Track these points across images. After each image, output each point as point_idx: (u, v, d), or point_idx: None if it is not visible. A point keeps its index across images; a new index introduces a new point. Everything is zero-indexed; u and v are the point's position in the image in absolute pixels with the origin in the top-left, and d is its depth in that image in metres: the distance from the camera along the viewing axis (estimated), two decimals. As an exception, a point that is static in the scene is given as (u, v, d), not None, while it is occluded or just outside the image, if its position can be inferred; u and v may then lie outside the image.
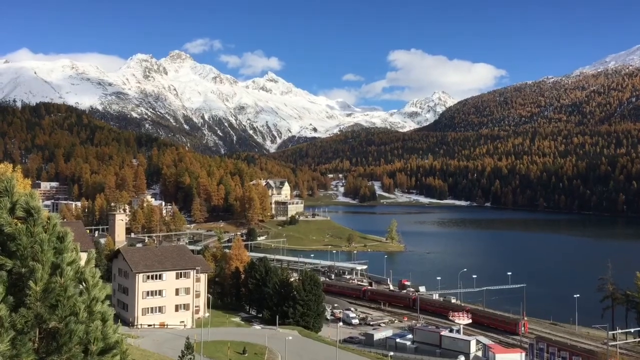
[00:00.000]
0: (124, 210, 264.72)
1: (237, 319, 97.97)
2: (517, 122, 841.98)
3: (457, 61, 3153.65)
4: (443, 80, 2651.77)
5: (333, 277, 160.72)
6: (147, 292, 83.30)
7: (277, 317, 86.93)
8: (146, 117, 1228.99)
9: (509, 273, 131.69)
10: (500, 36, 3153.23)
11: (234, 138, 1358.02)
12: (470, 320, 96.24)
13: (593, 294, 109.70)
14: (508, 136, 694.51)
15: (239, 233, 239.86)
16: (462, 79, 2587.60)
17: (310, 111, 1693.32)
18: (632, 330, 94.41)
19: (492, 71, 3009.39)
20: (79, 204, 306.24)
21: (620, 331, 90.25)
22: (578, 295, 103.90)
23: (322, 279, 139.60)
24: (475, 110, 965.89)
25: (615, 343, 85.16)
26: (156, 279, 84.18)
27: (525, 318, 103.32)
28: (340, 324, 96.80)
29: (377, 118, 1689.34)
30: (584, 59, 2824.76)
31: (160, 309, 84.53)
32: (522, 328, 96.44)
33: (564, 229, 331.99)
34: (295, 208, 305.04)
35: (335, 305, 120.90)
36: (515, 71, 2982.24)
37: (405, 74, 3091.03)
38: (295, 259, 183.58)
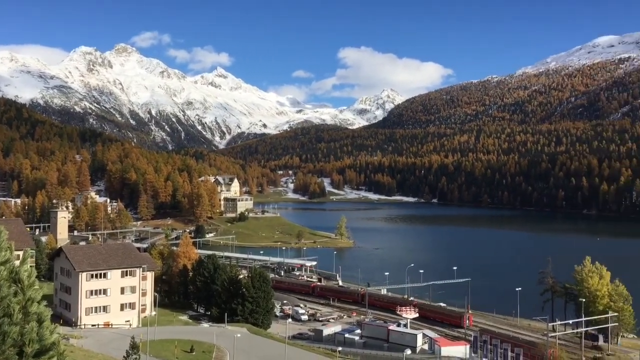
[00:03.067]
0: (67, 207, 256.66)
1: (184, 317, 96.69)
2: (463, 120, 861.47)
3: (406, 59, 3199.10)
4: (392, 78, 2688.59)
5: (282, 274, 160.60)
6: (91, 292, 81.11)
7: (226, 314, 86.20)
8: (90, 111, 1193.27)
9: (455, 268, 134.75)
10: (448, 36, 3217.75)
11: (182, 134, 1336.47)
12: (417, 315, 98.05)
13: (534, 287, 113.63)
14: (454, 134, 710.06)
15: (187, 230, 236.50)
16: (411, 77, 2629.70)
17: (260, 107, 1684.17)
18: (570, 321, 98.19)
19: (440, 70, 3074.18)
20: (18, 200, 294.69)
21: (559, 323, 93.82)
22: (520, 289, 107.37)
23: (272, 275, 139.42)
24: (423, 108, 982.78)
25: (555, 334, 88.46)
26: (100, 277, 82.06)
27: (470, 311, 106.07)
28: (290, 320, 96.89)
29: (327, 115, 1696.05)
30: (527, 59, 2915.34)
31: (105, 309, 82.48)
32: (467, 321, 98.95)
33: (506, 225, 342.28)
34: (245, 205, 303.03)
35: (285, 301, 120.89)
36: (462, 70, 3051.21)
37: (355, 71, 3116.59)
38: (245, 256, 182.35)
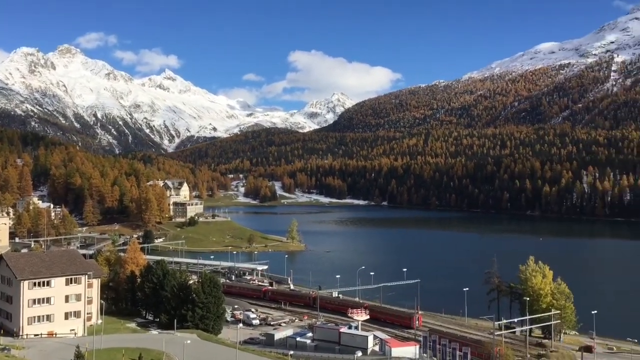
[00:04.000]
0: (7, 213, 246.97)
1: (132, 325, 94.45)
2: (411, 123, 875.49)
3: (356, 64, 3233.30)
4: (342, 82, 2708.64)
5: (234, 278, 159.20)
6: (34, 300, 78.23)
7: (175, 321, 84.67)
8: (32, 114, 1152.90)
9: (405, 269, 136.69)
10: (397, 41, 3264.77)
11: (130, 137, 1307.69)
12: (367, 317, 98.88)
13: (480, 287, 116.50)
14: (403, 137, 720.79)
15: (135, 236, 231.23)
16: (361, 81, 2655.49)
17: (210, 110, 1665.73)
18: (515, 320, 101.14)
19: (389, 75, 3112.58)
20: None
21: (505, 321, 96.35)
22: (467, 289, 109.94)
23: (222, 280, 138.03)
24: (373, 112, 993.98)
25: (501, 333, 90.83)
26: (43, 285, 79.28)
27: (420, 312, 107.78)
28: (241, 325, 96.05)
29: (277, 118, 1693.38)
30: (473, 65, 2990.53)
31: (49, 318, 79.68)
32: (417, 322, 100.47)
33: (454, 226, 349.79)
34: (195, 209, 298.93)
35: (236, 306, 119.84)
36: (410, 75, 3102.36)
37: (306, 75, 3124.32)
38: (195, 260, 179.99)
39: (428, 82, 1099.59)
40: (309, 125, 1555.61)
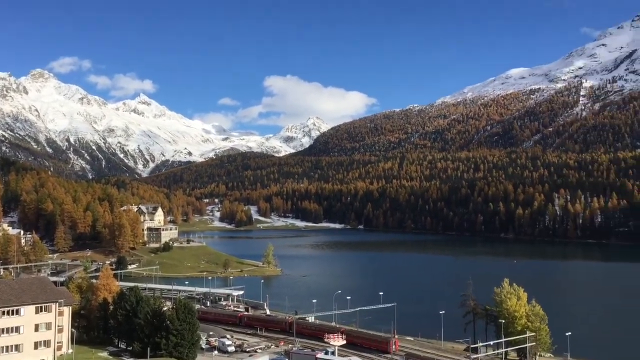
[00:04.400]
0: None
1: (104, 354, 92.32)
2: (386, 147, 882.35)
3: (331, 88, 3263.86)
4: (318, 106, 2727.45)
5: (209, 304, 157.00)
6: (2, 330, 76.24)
7: (149, 349, 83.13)
8: (3, 139, 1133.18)
9: (381, 293, 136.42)
10: (371, 67, 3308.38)
11: (103, 162, 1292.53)
12: (344, 342, 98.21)
13: (456, 310, 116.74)
14: (378, 161, 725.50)
15: (107, 262, 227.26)
16: (337, 106, 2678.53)
17: (185, 135, 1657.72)
18: (491, 342, 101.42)
19: (364, 99, 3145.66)
20: None
21: (481, 344, 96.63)
22: (443, 312, 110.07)
23: (197, 306, 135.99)
24: (348, 136, 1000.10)
25: (477, 356, 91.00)
26: (12, 314, 77.29)
27: (396, 336, 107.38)
28: (216, 352, 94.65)
29: (253, 142, 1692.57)
30: (446, 90, 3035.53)
31: (17, 347, 77.54)
32: (393, 346, 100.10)
33: (430, 249, 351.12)
34: (169, 234, 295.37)
35: (211, 333, 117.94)
36: (385, 99, 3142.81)
37: (281, 99, 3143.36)
38: (169, 287, 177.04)
39: (402, 107, 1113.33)
40: (285, 149, 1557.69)
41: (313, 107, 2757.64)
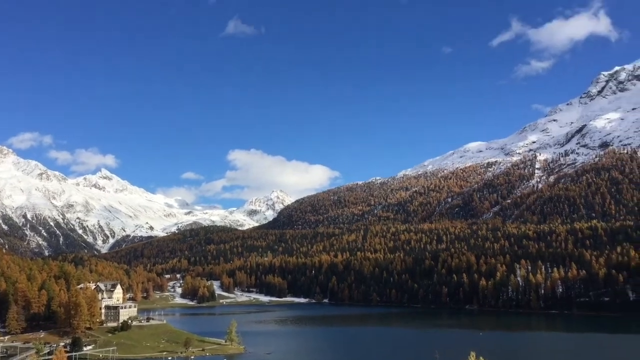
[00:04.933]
0: None
1: None
2: (350, 219, 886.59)
3: (295, 162, 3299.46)
4: (282, 180, 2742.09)
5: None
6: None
7: None
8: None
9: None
10: (333, 141, 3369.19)
11: (61, 238, 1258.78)
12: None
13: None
14: (342, 233, 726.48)
15: (61, 344, 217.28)
16: (300, 179, 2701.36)
17: (147, 209, 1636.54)
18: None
19: (327, 172, 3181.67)
20: None
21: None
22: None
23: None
24: (312, 209, 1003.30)
25: None
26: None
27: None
28: None
29: (216, 216, 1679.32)
30: (407, 163, 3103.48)
31: None
32: None
33: (396, 322, 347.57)
34: (128, 312, 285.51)
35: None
36: (348, 172, 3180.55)
37: (245, 173, 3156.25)
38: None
39: (365, 179, 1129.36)
40: (249, 223, 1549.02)
41: (277, 181, 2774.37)
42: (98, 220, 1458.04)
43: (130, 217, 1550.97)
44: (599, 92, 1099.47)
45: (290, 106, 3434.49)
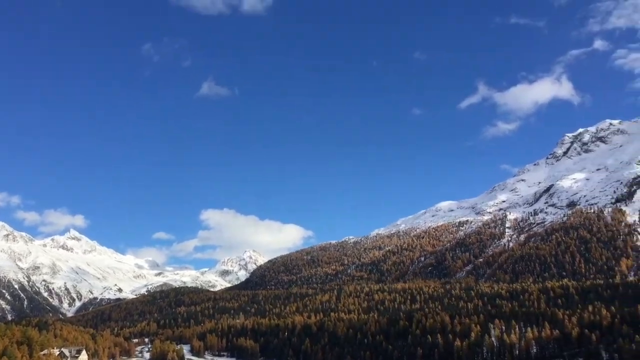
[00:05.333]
0: None
1: None
2: (323, 279, 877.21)
3: (268, 221, 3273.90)
4: (255, 239, 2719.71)
5: None
6: None
7: None
8: None
9: None
10: (307, 201, 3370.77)
11: (25, 302, 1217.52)
12: None
13: None
14: (316, 293, 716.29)
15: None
16: (273, 239, 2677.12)
17: (116, 271, 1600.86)
18: None
19: (301, 232, 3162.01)
20: None
21: None
22: None
23: None
24: (285, 269, 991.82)
25: None
26: None
27: None
28: None
29: (188, 277, 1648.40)
30: (380, 222, 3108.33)
31: None
32: None
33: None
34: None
35: None
36: (321, 232, 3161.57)
37: (218, 232, 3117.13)
38: None
39: (338, 239, 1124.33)
40: (221, 284, 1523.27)
41: (250, 240, 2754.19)
42: (65, 283, 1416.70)
43: (99, 279, 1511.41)
44: (565, 153, 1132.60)
45: (263, 166, 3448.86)
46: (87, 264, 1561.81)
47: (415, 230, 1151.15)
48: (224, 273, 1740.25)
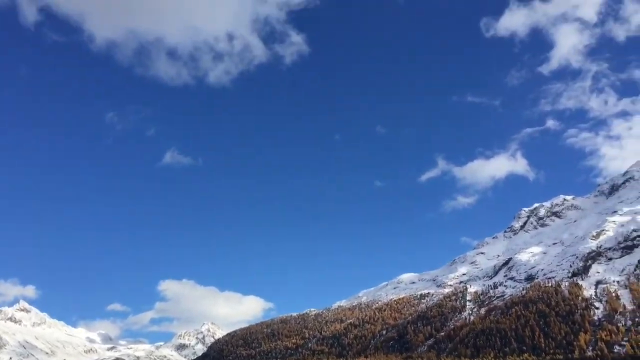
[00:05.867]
0: None
1: None
2: (283, 354, 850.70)
3: (228, 293, 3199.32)
4: (214, 311, 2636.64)
5: None
6: None
7: None
8: None
9: None
10: (268, 272, 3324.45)
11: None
12: None
13: None
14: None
15: None
16: (233, 311, 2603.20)
17: (66, 345, 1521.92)
18: None
19: (261, 304, 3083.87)
20: None
21: None
22: None
23: None
24: (244, 342, 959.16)
25: None
26: None
27: None
28: None
29: (142, 351, 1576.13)
30: (341, 294, 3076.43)
31: None
32: None
33: None
34: None
35: None
36: (282, 304, 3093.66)
37: (175, 304, 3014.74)
38: None
39: (299, 311, 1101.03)
40: (177, 358, 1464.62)
41: (208, 312, 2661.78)
42: (10, 358, 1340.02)
43: (47, 353, 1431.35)
44: (522, 226, 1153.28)
45: (224, 236, 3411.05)
46: (35, 338, 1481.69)
47: (377, 303, 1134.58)
48: (181, 347, 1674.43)
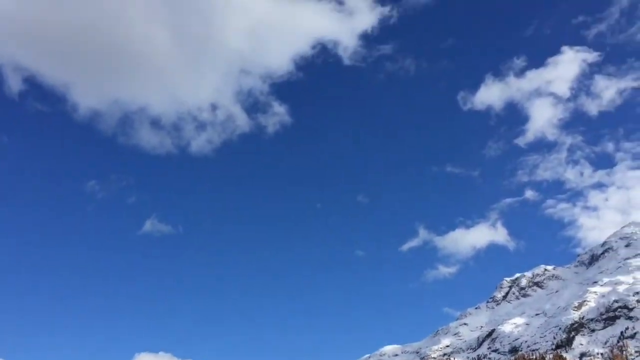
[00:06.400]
0: None
1: None
2: None
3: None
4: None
5: None
6: None
7: None
8: None
9: None
10: (248, 344, 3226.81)
11: None
12: None
13: None
14: None
15: None
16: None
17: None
18: None
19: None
20: None
21: None
22: None
23: None
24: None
25: None
26: None
27: None
28: None
29: None
30: None
31: None
32: None
33: None
34: None
35: None
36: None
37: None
38: None
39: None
40: None
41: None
42: None
43: None
44: (504, 297, 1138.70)
45: (203, 307, 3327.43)
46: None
47: None
48: None
